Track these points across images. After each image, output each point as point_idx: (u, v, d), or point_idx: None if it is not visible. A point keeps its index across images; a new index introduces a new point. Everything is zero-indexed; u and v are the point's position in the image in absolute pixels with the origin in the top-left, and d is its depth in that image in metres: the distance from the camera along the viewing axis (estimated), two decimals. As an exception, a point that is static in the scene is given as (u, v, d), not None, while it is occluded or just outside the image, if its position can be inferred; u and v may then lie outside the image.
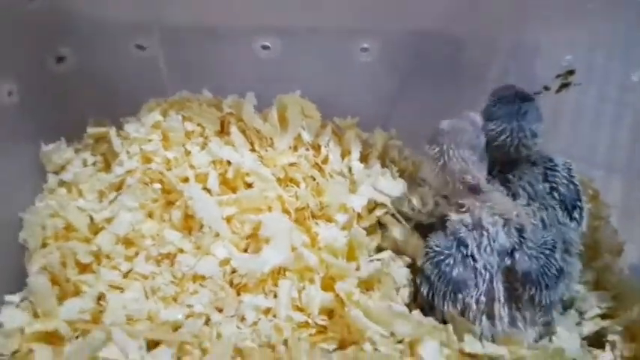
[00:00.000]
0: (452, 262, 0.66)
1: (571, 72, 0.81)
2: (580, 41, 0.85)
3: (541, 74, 0.85)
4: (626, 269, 0.78)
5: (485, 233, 0.66)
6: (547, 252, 0.65)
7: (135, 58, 0.81)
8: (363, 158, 0.83)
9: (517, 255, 0.65)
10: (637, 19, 0.78)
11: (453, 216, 0.68)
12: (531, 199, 0.70)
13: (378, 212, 0.77)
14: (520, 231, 0.66)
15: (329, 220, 0.75)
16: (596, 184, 0.87)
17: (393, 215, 0.76)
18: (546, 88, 0.83)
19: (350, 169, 0.81)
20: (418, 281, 0.69)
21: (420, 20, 0.81)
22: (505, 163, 0.71)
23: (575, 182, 0.71)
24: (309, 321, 0.66)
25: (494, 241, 0.65)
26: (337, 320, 0.67)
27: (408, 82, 0.88)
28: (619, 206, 0.86)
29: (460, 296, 0.65)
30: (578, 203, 0.70)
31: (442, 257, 0.66)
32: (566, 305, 0.71)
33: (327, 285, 0.69)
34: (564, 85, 0.82)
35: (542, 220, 0.68)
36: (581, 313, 0.71)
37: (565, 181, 0.70)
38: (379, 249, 0.75)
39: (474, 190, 0.67)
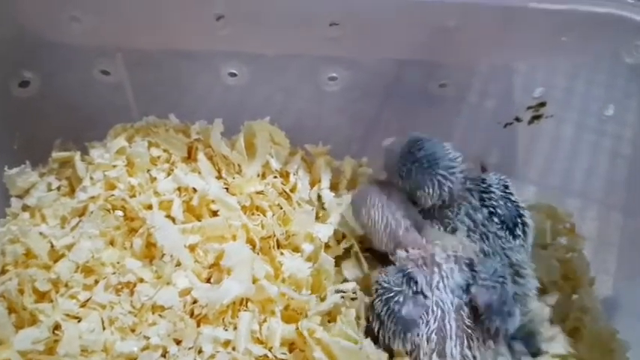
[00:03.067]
0: (401, 299, 0.64)
1: (542, 104, 0.81)
2: (557, 71, 0.85)
3: (517, 102, 0.85)
4: (598, 304, 0.78)
5: (436, 270, 0.64)
6: (501, 280, 0.63)
7: (100, 82, 0.80)
8: (334, 186, 0.82)
9: (473, 289, 0.63)
10: (610, 53, 0.78)
11: (400, 252, 0.67)
12: (471, 231, 0.68)
13: (345, 245, 0.76)
14: (470, 265, 0.65)
15: (295, 249, 0.74)
16: (572, 213, 0.86)
17: (355, 252, 0.75)
18: (518, 120, 0.82)
19: (320, 198, 0.80)
20: (370, 318, 0.67)
21: (392, 48, 0.80)
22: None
23: (513, 199, 0.69)
24: (269, 354, 0.65)
25: (447, 278, 0.64)
26: (297, 354, 0.66)
27: (381, 109, 0.87)
28: (594, 236, 0.86)
29: (409, 335, 0.63)
30: (519, 220, 0.69)
31: (391, 294, 0.64)
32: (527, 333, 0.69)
33: (290, 317, 0.68)
34: (536, 117, 0.81)
35: (483, 251, 0.67)
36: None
37: (502, 202, 0.69)
38: (345, 280, 0.74)
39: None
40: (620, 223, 0.85)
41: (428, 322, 0.63)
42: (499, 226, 0.68)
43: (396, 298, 0.64)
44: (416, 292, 0.64)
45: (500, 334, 0.63)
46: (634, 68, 0.76)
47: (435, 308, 0.63)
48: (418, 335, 0.63)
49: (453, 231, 0.68)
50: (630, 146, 0.84)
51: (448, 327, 0.63)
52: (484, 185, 0.70)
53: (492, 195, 0.69)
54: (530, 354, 0.67)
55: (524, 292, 0.67)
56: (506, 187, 0.70)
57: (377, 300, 0.66)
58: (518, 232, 0.68)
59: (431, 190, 0.68)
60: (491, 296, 0.62)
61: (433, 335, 0.63)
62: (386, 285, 0.65)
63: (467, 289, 0.64)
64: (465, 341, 0.63)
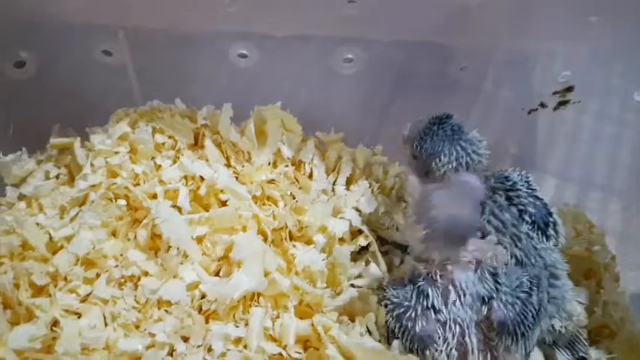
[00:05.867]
0: (413, 315, 0.60)
1: (569, 89, 0.77)
2: (580, 57, 0.81)
3: (538, 88, 0.81)
4: (627, 300, 0.74)
5: (452, 288, 0.60)
6: (523, 296, 0.59)
7: (102, 64, 0.77)
8: (350, 177, 0.78)
9: (494, 304, 0.59)
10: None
11: (416, 264, 0.62)
12: (500, 233, 0.63)
13: (362, 242, 0.72)
14: (494, 275, 0.60)
15: (308, 242, 0.71)
16: (594, 206, 0.83)
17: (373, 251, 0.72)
18: (543, 105, 0.79)
19: (333, 190, 0.76)
20: (386, 334, 0.63)
21: (409, 30, 0.77)
22: None
23: (539, 195, 0.65)
24: (283, 353, 0.61)
25: (464, 296, 0.59)
26: (312, 353, 0.62)
27: (397, 94, 0.84)
28: (618, 230, 0.82)
29: (428, 353, 0.59)
30: (550, 218, 0.64)
31: (402, 310, 0.60)
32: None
33: (304, 312, 0.65)
34: (562, 103, 0.78)
35: (516, 257, 0.62)
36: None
37: (531, 199, 0.64)
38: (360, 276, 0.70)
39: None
40: (645, 217, 0.82)
41: (446, 338, 0.59)
42: (530, 227, 0.64)
43: (407, 314, 0.60)
44: (427, 308, 0.60)
45: (514, 352, 0.59)
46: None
47: (452, 325, 0.59)
48: (437, 352, 0.59)
49: (482, 236, 0.63)
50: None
51: (469, 342, 0.59)
52: (509, 183, 0.66)
53: (520, 193, 0.65)
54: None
55: (562, 294, 0.63)
56: (529, 183, 0.66)
57: (388, 316, 0.62)
58: (551, 231, 0.64)
59: (446, 160, 0.65)
60: (507, 314, 0.58)
61: (453, 352, 0.59)
62: (395, 300, 0.61)
63: (488, 301, 0.59)
64: (489, 354, 0.59)
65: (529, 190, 0.65)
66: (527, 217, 0.64)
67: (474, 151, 0.65)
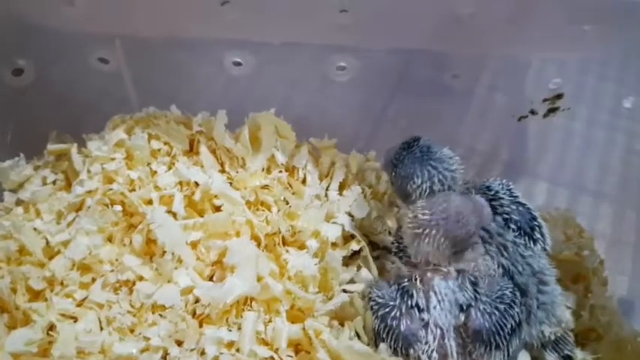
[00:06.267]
0: (397, 314, 0.61)
1: (559, 96, 0.78)
2: (571, 64, 0.82)
3: (530, 95, 0.82)
4: (614, 304, 0.75)
5: (432, 294, 0.61)
6: (502, 307, 0.59)
7: (98, 71, 0.77)
8: (342, 183, 0.79)
9: (472, 312, 0.60)
10: (631, 44, 0.75)
11: (397, 262, 0.64)
12: (486, 243, 0.64)
13: (354, 247, 0.73)
14: (474, 284, 0.61)
15: (301, 246, 0.71)
16: (585, 211, 0.84)
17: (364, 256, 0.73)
18: (533, 113, 0.79)
19: (326, 195, 0.77)
20: (373, 336, 0.64)
21: (402, 39, 0.78)
22: None
23: (522, 201, 0.66)
24: (275, 356, 0.62)
25: (443, 301, 0.60)
26: (304, 356, 0.63)
27: (390, 102, 0.84)
28: (608, 235, 0.83)
29: (412, 352, 0.60)
30: (535, 222, 0.65)
31: (387, 309, 0.61)
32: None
33: (295, 317, 0.66)
34: (552, 110, 0.79)
35: (502, 266, 0.63)
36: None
37: (513, 207, 0.65)
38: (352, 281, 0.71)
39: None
40: (634, 222, 0.83)
41: (427, 340, 0.60)
42: (516, 234, 0.64)
43: (392, 314, 0.61)
44: (411, 307, 0.61)
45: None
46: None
47: (433, 327, 0.60)
48: (420, 351, 0.60)
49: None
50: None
51: (448, 345, 0.60)
52: (491, 193, 0.66)
53: (502, 202, 0.66)
54: (563, 358, 0.64)
55: (551, 299, 0.63)
56: (511, 190, 0.67)
57: (374, 317, 0.63)
58: (537, 235, 0.65)
59: (420, 181, 0.65)
60: (483, 323, 0.59)
61: (434, 354, 0.60)
62: (380, 300, 0.62)
63: (466, 308, 0.60)
64: (468, 358, 0.60)
65: (511, 198, 0.66)
66: (512, 225, 0.64)
67: (446, 169, 0.66)
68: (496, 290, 0.60)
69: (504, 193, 0.66)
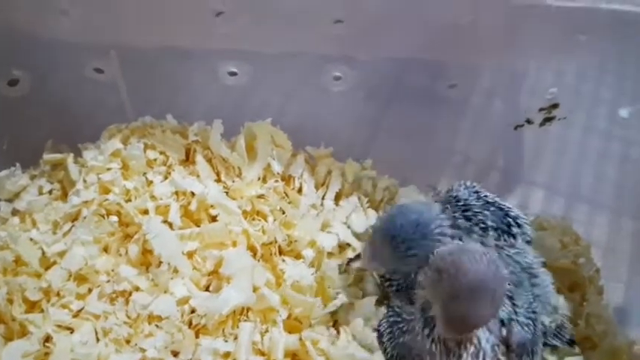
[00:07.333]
0: (405, 328, 0.60)
1: (555, 106, 0.78)
2: (568, 73, 0.82)
3: (526, 104, 0.82)
4: (610, 312, 0.75)
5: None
6: (533, 316, 0.59)
7: (93, 81, 0.77)
8: (339, 192, 0.79)
9: (514, 326, 0.58)
10: (626, 54, 0.75)
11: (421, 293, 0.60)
12: None
13: (350, 254, 0.72)
14: (511, 298, 0.59)
15: (297, 256, 0.71)
16: (581, 219, 0.84)
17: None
18: (529, 122, 0.79)
19: (322, 204, 0.77)
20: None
21: (398, 48, 0.78)
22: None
23: (490, 200, 0.64)
24: (271, 366, 0.63)
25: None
26: (301, 366, 0.63)
27: (386, 111, 0.84)
28: (604, 244, 0.83)
29: None
30: (509, 218, 0.63)
31: (398, 319, 0.61)
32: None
33: (292, 327, 0.66)
34: (548, 119, 0.79)
35: None
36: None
37: (485, 211, 0.63)
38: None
39: None
40: (631, 230, 0.83)
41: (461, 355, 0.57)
42: (495, 236, 0.63)
43: (401, 325, 0.60)
44: (426, 336, 0.58)
45: None
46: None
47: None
48: None
49: None
50: (641, 150, 0.81)
51: None
52: (460, 203, 0.64)
53: (473, 208, 0.63)
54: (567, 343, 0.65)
55: (544, 290, 0.63)
56: (478, 193, 0.65)
57: (383, 320, 0.63)
58: (514, 229, 0.63)
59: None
60: (525, 335, 0.58)
61: None
62: (397, 309, 0.62)
63: (507, 323, 0.58)
64: None
65: (480, 201, 0.64)
66: (490, 231, 0.63)
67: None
68: (524, 300, 0.60)
69: (473, 199, 0.64)
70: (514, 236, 0.64)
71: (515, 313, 0.59)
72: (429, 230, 0.60)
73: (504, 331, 0.58)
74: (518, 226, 0.64)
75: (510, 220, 0.64)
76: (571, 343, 0.66)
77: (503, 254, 0.62)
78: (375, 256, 0.63)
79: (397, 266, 0.62)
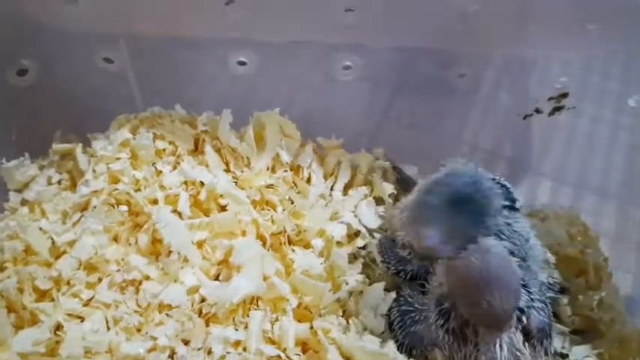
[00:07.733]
0: (417, 317, 0.60)
1: (564, 95, 0.78)
2: (576, 63, 0.82)
3: (535, 94, 0.82)
4: (619, 300, 0.75)
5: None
6: (546, 299, 0.60)
7: (103, 71, 0.77)
8: (348, 182, 0.79)
9: (532, 313, 0.58)
10: (635, 43, 0.75)
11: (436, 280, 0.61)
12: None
13: (360, 242, 0.73)
14: (525, 286, 0.59)
15: (306, 246, 0.71)
16: (589, 209, 0.84)
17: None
18: (538, 111, 0.79)
19: (331, 194, 0.77)
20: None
21: (408, 37, 0.78)
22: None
23: (495, 178, 0.64)
24: (282, 355, 0.62)
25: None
26: (312, 355, 0.63)
27: (396, 100, 0.84)
28: (612, 234, 0.83)
29: (415, 353, 0.60)
30: (509, 198, 0.63)
31: (410, 308, 0.61)
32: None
33: (302, 316, 0.66)
34: (557, 109, 0.78)
35: (512, 253, 0.60)
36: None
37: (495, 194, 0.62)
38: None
39: None
40: (639, 219, 0.83)
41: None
42: (506, 214, 0.62)
43: (413, 314, 0.61)
44: (440, 326, 0.58)
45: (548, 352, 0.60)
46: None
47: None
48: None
49: None
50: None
51: (498, 350, 0.57)
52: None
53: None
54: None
55: (535, 251, 0.63)
56: (476, 182, 0.62)
57: (394, 308, 0.63)
58: (518, 203, 0.64)
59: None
60: (542, 319, 0.59)
61: (483, 358, 0.58)
62: (409, 299, 0.62)
63: (525, 310, 0.58)
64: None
65: (485, 192, 0.62)
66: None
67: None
68: (537, 285, 0.60)
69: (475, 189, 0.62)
70: (515, 209, 0.64)
71: (531, 300, 0.59)
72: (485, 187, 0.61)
73: (524, 319, 0.58)
74: (513, 200, 0.64)
75: (510, 199, 0.64)
76: (565, 290, 0.67)
77: (510, 230, 0.61)
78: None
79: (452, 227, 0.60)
